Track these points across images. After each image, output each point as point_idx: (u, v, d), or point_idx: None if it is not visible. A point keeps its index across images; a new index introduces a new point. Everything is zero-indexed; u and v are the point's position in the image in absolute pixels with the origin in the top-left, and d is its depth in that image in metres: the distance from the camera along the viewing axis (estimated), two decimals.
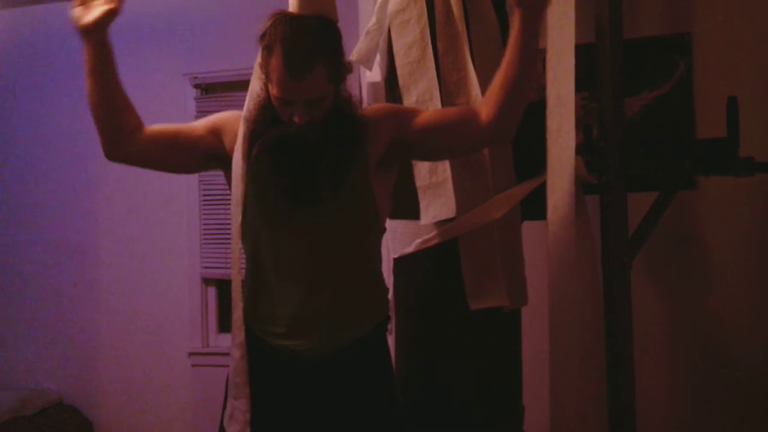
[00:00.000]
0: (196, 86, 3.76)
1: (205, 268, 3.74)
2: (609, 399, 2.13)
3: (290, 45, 1.51)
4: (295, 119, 1.55)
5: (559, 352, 1.88)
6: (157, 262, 3.80)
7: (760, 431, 2.83)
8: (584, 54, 2.11)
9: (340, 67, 1.60)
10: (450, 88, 1.99)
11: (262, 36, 1.57)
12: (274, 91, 1.56)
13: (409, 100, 1.99)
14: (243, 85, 3.62)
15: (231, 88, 3.71)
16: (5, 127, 4.06)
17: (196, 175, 3.73)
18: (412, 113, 1.72)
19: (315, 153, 1.56)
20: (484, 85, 1.97)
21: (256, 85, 1.70)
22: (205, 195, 3.75)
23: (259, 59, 1.63)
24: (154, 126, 1.71)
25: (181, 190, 3.77)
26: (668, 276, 2.98)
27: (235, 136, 1.67)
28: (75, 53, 3.89)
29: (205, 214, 3.75)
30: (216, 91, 3.78)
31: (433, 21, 2.01)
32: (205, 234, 3.74)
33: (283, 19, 1.56)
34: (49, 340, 3.95)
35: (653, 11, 3.00)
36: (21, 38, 4.04)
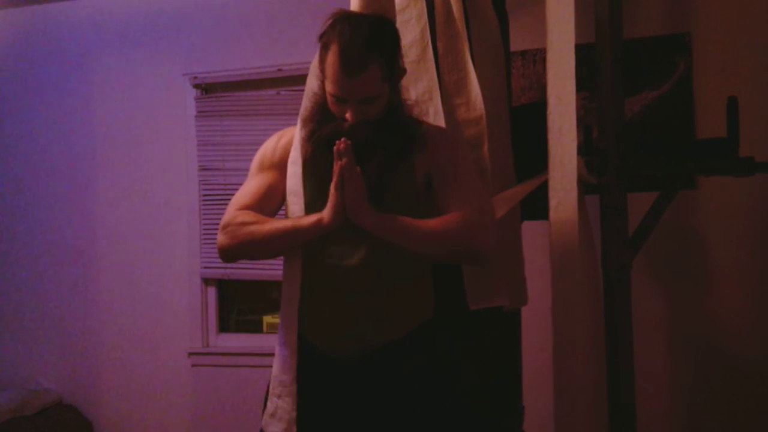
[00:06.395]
0: (196, 86, 3.76)
1: (205, 268, 3.73)
2: (609, 398, 2.13)
3: (346, 43, 1.53)
4: (348, 117, 1.57)
5: (562, 351, 1.88)
6: (157, 262, 3.80)
7: (759, 430, 2.83)
8: (584, 54, 2.11)
9: (395, 67, 1.63)
10: (450, 88, 1.99)
11: (321, 35, 1.60)
12: (329, 88, 1.58)
13: (408, 100, 1.99)
14: (243, 85, 3.67)
15: (231, 88, 3.70)
16: (4, 127, 4.06)
17: (196, 174, 3.73)
18: (454, 164, 1.66)
19: (366, 153, 1.57)
20: (484, 85, 1.97)
21: (314, 84, 1.72)
22: (205, 195, 3.75)
23: (316, 58, 1.65)
24: (253, 213, 1.67)
25: (181, 190, 3.77)
26: (668, 276, 2.98)
27: (288, 151, 1.70)
28: (75, 53, 3.92)
29: (205, 214, 3.75)
30: (216, 91, 3.78)
31: (433, 21, 2.01)
32: (205, 234, 3.74)
33: (341, 17, 1.59)
34: (49, 340, 3.95)
35: (653, 11, 3.00)
36: (20, 38, 4.04)
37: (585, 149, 2.27)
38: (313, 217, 1.58)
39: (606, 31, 2.18)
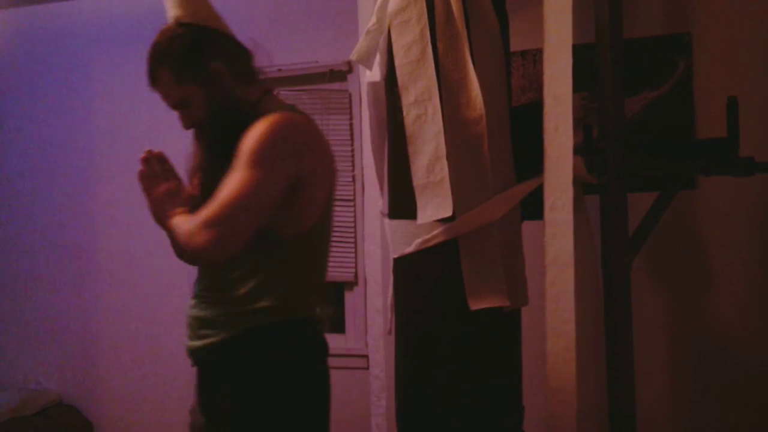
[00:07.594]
0: None
1: None
2: (609, 399, 2.13)
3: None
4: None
5: (557, 352, 1.88)
6: (157, 261, 3.80)
7: (760, 431, 2.83)
8: (584, 54, 2.11)
9: (195, 68, 1.64)
10: (451, 87, 1.99)
11: None
12: None
13: (408, 99, 1.99)
14: None
15: None
16: (4, 127, 4.06)
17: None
18: (241, 156, 1.60)
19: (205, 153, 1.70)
20: (484, 85, 1.97)
21: None
22: None
23: None
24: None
25: None
26: (668, 276, 2.98)
27: None
28: (75, 53, 3.92)
29: None
30: None
31: (433, 21, 2.01)
32: None
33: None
34: (49, 340, 3.95)
35: (653, 11, 3.00)
36: (20, 38, 4.04)
37: (585, 149, 2.28)
38: None
39: (606, 31, 2.18)
